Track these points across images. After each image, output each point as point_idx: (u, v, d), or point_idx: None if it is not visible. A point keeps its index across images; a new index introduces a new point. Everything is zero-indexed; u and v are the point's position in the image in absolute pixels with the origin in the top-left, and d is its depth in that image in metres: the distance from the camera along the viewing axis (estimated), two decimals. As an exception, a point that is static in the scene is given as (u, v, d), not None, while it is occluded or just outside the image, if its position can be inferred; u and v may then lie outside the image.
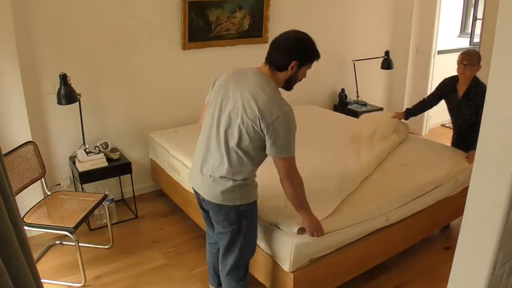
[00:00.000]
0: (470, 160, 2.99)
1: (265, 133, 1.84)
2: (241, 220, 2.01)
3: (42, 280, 1.57)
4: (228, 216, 1.99)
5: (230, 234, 2.03)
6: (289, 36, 1.90)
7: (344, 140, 3.38)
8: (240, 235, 2.04)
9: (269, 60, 1.91)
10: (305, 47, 1.88)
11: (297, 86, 2.01)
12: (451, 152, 3.18)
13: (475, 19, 6.10)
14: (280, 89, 1.95)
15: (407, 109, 3.50)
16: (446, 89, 3.21)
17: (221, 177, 1.93)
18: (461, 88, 3.10)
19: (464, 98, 3.09)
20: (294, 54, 1.85)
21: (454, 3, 6.23)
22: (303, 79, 1.97)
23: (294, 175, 1.96)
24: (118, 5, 3.33)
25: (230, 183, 1.93)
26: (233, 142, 1.89)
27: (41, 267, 2.76)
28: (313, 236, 2.11)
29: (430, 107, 3.37)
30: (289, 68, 1.86)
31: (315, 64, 1.96)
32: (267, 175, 2.73)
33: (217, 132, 1.94)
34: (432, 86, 5.18)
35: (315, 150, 3.16)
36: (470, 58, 2.99)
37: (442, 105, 3.30)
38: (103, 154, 3.25)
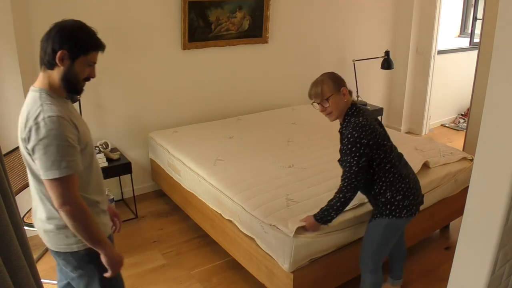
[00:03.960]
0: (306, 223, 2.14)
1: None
2: None
3: (42, 280, 1.57)
4: None
5: None
6: (54, 25, 1.55)
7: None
8: None
9: (40, 58, 1.59)
10: (70, 32, 1.51)
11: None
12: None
13: (475, 19, 6.09)
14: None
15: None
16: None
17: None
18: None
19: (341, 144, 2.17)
20: (58, 41, 1.50)
21: (454, 3, 6.23)
22: (91, 79, 1.60)
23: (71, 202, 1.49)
24: (118, 5, 3.34)
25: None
26: None
27: (41, 267, 2.76)
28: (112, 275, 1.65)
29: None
30: (58, 60, 1.51)
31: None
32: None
33: None
34: (432, 86, 5.19)
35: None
36: (316, 94, 2.07)
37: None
38: (103, 154, 3.25)
